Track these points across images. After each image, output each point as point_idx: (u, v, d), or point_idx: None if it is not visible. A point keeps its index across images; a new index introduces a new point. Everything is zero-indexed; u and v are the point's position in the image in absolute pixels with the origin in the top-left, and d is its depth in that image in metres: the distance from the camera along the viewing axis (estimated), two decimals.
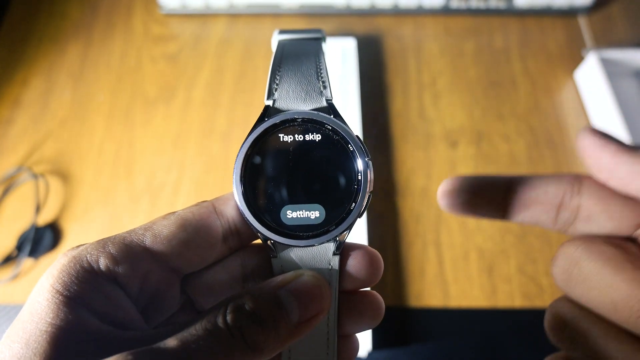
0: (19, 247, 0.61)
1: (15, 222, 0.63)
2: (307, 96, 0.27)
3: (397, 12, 0.80)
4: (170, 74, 0.75)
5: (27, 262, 0.60)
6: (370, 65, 0.75)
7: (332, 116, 0.26)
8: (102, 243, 0.24)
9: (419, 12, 0.80)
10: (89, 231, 0.63)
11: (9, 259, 0.60)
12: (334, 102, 0.27)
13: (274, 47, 0.30)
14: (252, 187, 0.26)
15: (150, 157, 0.68)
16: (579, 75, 0.73)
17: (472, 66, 0.76)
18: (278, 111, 0.27)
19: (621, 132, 0.63)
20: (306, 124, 0.26)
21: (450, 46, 0.78)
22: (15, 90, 0.73)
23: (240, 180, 0.26)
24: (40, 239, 0.61)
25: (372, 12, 0.80)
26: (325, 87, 0.27)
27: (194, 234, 0.25)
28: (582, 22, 0.80)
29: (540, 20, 0.80)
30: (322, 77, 0.28)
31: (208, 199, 0.27)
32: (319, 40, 0.30)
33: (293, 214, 0.26)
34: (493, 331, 0.56)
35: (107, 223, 0.63)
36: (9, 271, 0.60)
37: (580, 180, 0.24)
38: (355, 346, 0.28)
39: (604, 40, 0.78)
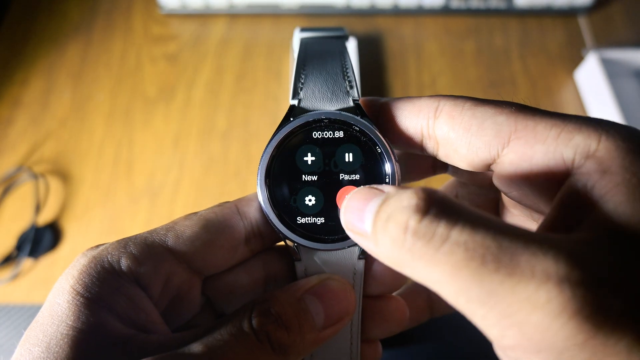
0: (19, 247, 0.61)
1: (15, 222, 0.63)
2: (333, 96, 0.26)
3: (397, 12, 0.80)
4: (170, 74, 0.75)
5: (27, 262, 0.60)
6: (370, 65, 0.75)
7: (359, 117, 0.26)
8: (123, 243, 0.23)
9: (419, 12, 0.80)
10: (89, 231, 0.63)
11: (8, 259, 0.60)
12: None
13: (295, 46, 0.29)
14: (276, 188, 0.25)
15: (150, 157, 0.68)
16: (579, 75, 0.73)
17: (472, 66, 0.76)
18: (304, 111, 0.26)
19: None
20: (333, 124, 0.26)
21: (450, 46, 0.78)
22: (15, 90, 0.73)
23: (265, 181, 0.25)
24: (40, 239, 0.61)
25: (372, 12, 0.80)
26: (351, 87, 0.26)
27: (217, 235, 0.24)
28: (582, 22, 0.80)
29: (540, 20, 0.80)
30: (348, 77, 0.27)
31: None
32: (342, 38, 0.29)
33: (319, 217, 0.25)
34: None
35: (107, 223, 0.63)
36: (8, 271, 0.60)
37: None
38: (378, 351, 0.27)
39: (604, 40, 0.78)
